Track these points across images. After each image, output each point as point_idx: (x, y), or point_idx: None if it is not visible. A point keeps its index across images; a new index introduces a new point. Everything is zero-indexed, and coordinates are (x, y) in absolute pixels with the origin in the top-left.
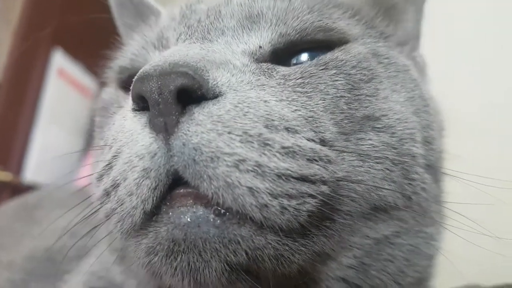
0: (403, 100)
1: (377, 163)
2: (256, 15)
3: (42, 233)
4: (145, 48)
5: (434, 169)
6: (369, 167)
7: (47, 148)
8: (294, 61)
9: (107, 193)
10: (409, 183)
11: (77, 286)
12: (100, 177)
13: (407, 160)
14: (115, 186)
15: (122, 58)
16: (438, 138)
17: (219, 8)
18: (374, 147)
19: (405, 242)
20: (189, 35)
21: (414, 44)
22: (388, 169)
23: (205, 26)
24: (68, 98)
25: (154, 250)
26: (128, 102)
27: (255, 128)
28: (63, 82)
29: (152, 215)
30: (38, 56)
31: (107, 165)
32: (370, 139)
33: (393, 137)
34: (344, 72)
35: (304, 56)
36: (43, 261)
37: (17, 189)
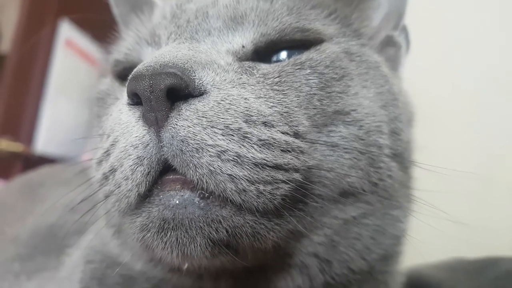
0: (372, 95)
1: (346, 152)
2: (240, 16)
3: (45, 210)
4: (138, 44)
5: (400, 157)
6: (339, 157)
7: (57, 119)
8: (274, 58)
9: (106, 177)
10: (376, 171)
11: (77, 259)
12: (99, 162)
13: (373, 150)
14: (113, 171)
15: (117, 53)
16: (406, 129)
17: (207, 9)
18: (343, 138)
19: (371, 223)
20: (179, 35)
21: (395, 22)
22: (356, 158)
23: (193, 26)
24: (76, 69)
25: (147, 227)
26: (123, 95)
27: (235, 123)
28: (71, 53)
29: (145, 197)
30: (45, 28)
31: (105, 152)
32: (340, 132)
33: (361, 129)
34: (318, 71)
35: (283, 54)
36: (47, 236)
37: (29, 159)
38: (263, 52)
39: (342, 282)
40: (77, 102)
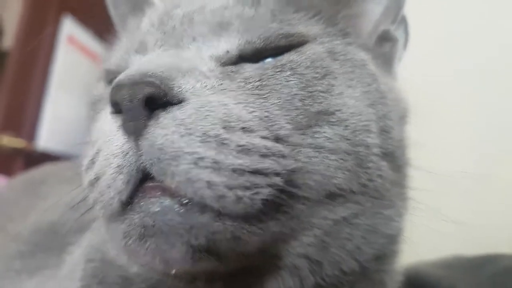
0: (358, 94)
1: (332, 153)
2: (226, 23)
3: (47, 207)
4: (127, 53)
5: (392, 156)
6: (324, 158)
7: (59, 115)
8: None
9: (91, 184)
10: (365, 171)
11: (78, 257)
12: (86, 170)
13: (361, 150)
14: (97, 179)
15: (109, 62)
16: (397, 127)
17: (193, 15)
18: (328, 139)
19: (362, 223)
20: (164, 41)
21: (394, 15)
22: (342, 159)
23: (178, 33)
24: (78, 65)
25: (129, 234)
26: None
27: (213, 130)
28: (73, 49)
29: (128, 204)
30: (48, 24)
31: (91, 160)
32: (325, 132)
33: (346, 129)
34: (298, 72)
35: (269, 59)
36: (48, 233)
37: (31, 156)
38: (248, 59)
39: (333, 283)
40: (79, 99)
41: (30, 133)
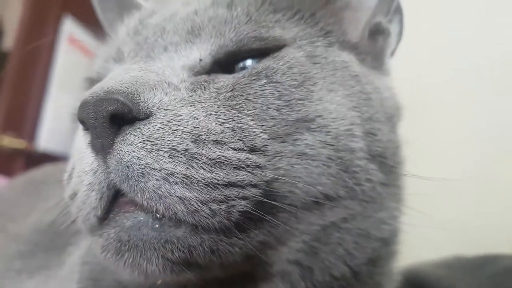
0: (340, 98)
1: (314, 160)
2: (198, 28)
3: (47, 208)
4: (107, 62)
5: (381, 158)
6: (307, 165)
7: (59, 116)
8: (240, 65)
9: (71, 198)
10: (351, 176)
11: (77, 259)
12: (66, 184)
13: (345, 155)
14: (74, 194)
15: (90, 71)
16: (385, 128)
17: (164, 24)
18: (309, 146)
19: (353, 227)
20: (136, 53)
21: (388, 6)
22: (325, 165)
23: (150, 43)
24: (79, 65)
25: (107, 249)
26: None
27: (182, 144)
28: (74, 49)
29: (104, 219)
30: (48, 24)
31: (69, 175)
32: (305, 139)
33: (328, 135)
34: (274, 80)
35: (248, 62)
36: (48, 234)
37: (31, 156)
38: (224, 63)
39: None
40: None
41: (31, 134)
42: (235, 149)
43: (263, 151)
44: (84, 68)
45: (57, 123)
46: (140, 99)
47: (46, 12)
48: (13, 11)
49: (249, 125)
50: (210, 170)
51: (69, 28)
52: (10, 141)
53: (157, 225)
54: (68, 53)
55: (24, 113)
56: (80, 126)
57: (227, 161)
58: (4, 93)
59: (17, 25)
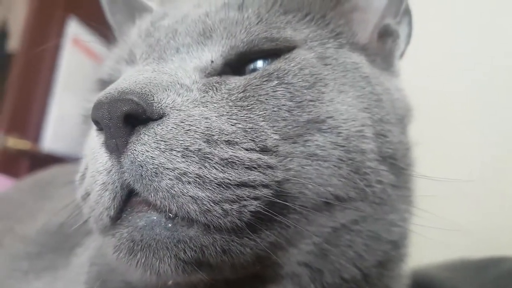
0: (351, 99)
1: (325, 161)
2: (209, 30)
3: (54, 209)
4: (118, 63)
5: (391, 160)
6: (317, 166)
7: (64, 117)
8: (251, 67)
9: (83, 199)
10: (362, 177)
11: (84, 260)
12: (78, 185)
13: (356, 156)
14: (87, 194)
15: (101, 72)
16: (395, 129)
17: (176, 26)
18: (320, 147)
19: (363, 229)
20: (148, 54)
21: (396, 8)
22: (336, 166)
23: (162, 45)
24: (83, 67)
25: (119, 248)
26: None
27: (195, 144)
28: (78, 51)
29: (117, 219)
30: (53, 26)
31: (81, 175)
32: (316, 140)
33: (339, 136)
34: (285, 82)
35: (259, 63)
36: (55, 234)
37: (36, 157)
38: (235, 64)
39: None
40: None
41: (36, 135)
42: (246, 149)
43: (274, 152)
44: (89, 69)
45: (61, 124)
46: (153, 99)
47: (51, 14)
48: (18, 13)
49: (261, 126)
50: (222, 170)
51: (74, 29)
52: (15, 142)
53: (170, 225)
54: (73, 54)
55: (29, 114)
56: (94, 127)
57: (239, 161)
58: (9, 94)
59: (22, 27)
